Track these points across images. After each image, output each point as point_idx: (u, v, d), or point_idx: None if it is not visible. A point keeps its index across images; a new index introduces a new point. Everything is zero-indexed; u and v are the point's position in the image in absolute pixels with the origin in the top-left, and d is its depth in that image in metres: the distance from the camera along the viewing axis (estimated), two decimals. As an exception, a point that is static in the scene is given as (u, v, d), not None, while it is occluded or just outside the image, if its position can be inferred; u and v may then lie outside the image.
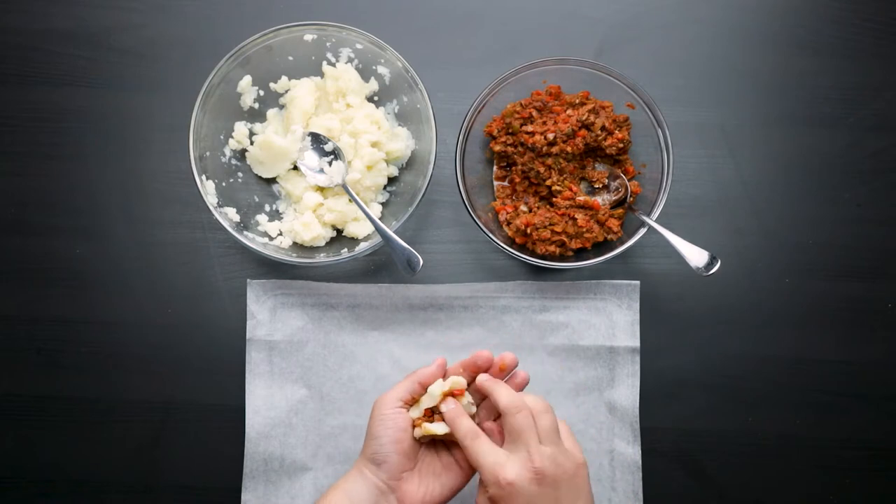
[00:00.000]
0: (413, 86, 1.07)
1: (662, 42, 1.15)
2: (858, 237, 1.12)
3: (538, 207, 1.09)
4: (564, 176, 1.09)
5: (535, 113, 1.08)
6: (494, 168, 1.12)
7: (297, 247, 1.09)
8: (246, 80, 1.09)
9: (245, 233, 1.07)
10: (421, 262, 1.02)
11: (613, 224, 1.07)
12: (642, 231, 1.04)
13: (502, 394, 0.90)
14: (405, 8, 1.15)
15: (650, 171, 1.08)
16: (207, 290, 1.11)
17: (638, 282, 1.09)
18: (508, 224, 1.09)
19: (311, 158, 1.10)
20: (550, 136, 1.06)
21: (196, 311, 1.10)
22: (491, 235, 1.04)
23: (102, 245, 1.11)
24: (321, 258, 1.06)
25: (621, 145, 1.08)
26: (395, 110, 1.13)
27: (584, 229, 1.06)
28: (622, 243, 1.05)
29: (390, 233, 1.03)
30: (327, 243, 1.10)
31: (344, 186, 1.07)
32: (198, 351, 1.10)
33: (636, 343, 1.09)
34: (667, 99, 1.12)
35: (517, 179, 1.11)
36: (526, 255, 1.05)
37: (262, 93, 1.12)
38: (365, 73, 1.12)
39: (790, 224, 1.12)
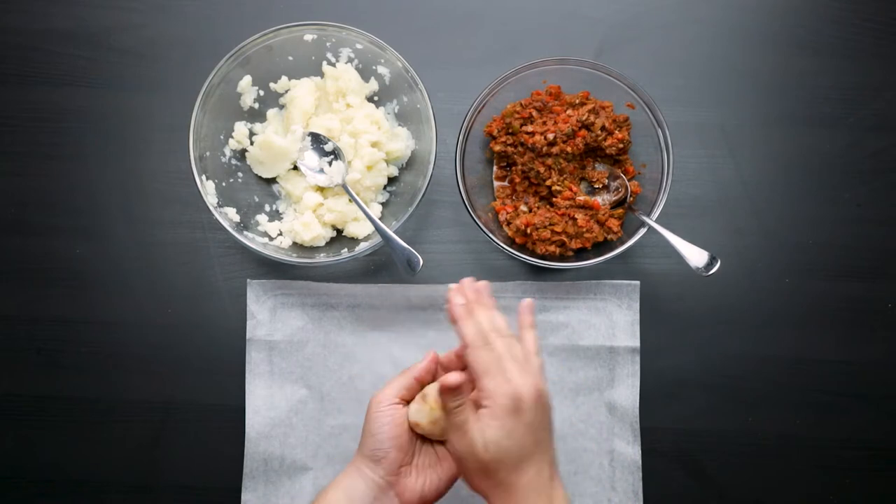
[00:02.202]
0: (413, 86, 1.07)
1: (662, 42, 1.15)
2: (858, 237, 1.12)
3: (538, 207, 1.09)
4: (564, 176, 1.09)
5: (535, 113, 1.08)
6: (494, 168, 1.12)
7: (297, 247, 1.09)
8: (246, 80, 1.09)
9: (245, 233, 1.07)
10: (421, 262, 1.02)
11: (613, 224, 1.07)
12: (642, 231, 1.04)
13: (478, 318, 0.88)
14: (405, 8, 1.15)
15: (650, 171, 1.08)
16: (207, 290, 1.11)
17: (638, 282, 1.09)
18: (508, 224, 1.09)
19: (311, 158, 1.10)
20: (550, 136, 1.06)
21: (196, 311, 1.10)
22: (491, 235, 1.04)
23: (102, 245, 1.11)
24: (321, 258, 1.06)
25: (621, 145, 1.08)
26: (395, 110, 1.13)
27: (584, 229, 1.06)
28: (622, 243, 1.05)
29: (390, 233, 1.03)
30: (327, 243, 1.10)
31: (344, 186, 1.07)
32: (198, 351, 1.10)
33: (636, 343, 1.09)
34: (667, 99, 1.12)
35: (517, 179, 1.11)
36: (526, 255, 1.05)
37: (262, 93, 1.12)
38: (365, 73, 1.12)
39: (790, 224, 1.12)
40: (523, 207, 1.10)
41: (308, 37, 1.08)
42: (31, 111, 1.13)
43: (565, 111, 1.08)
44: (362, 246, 1.07)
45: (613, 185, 1.10)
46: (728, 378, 1.10)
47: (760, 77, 1.14)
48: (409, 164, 1.12)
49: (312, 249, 1.09)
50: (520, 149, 1.08)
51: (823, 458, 1.09)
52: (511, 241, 1.09)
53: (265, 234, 1.09)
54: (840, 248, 1.12)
